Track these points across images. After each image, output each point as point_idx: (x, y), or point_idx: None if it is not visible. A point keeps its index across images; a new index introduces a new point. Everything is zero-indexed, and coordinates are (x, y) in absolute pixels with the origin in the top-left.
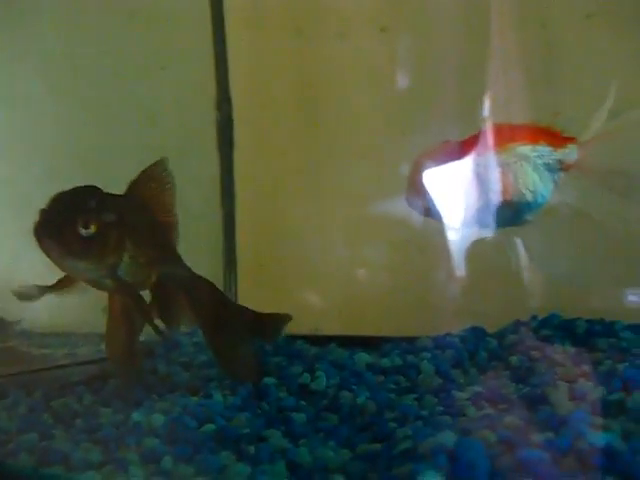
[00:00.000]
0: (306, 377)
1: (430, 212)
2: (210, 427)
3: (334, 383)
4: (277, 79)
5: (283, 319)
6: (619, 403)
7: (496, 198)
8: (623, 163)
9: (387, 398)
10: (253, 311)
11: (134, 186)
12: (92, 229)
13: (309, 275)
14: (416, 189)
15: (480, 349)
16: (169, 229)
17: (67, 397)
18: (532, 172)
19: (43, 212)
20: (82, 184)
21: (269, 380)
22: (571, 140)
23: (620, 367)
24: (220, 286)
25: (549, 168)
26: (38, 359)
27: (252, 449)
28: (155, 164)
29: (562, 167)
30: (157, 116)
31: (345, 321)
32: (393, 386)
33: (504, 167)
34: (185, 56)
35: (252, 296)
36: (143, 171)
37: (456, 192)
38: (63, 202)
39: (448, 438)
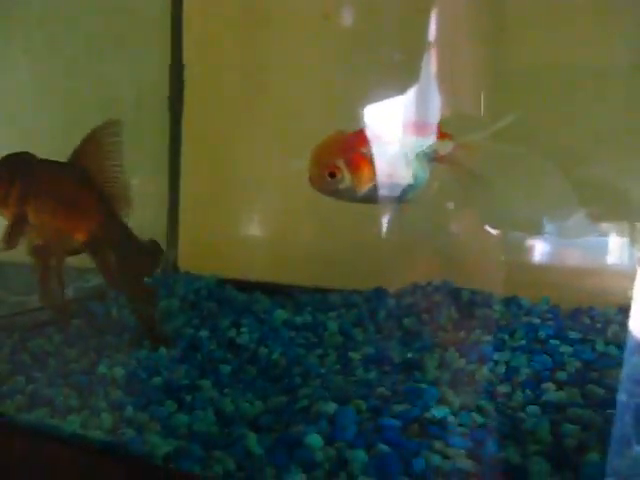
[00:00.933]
0: (233, 331)
1: (333, 194)
2: (158, 380)
3: (256, 337)
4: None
5: (158, 249)
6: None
7: (385, 180)
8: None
9: (296, 354)
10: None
11: (76, 151)
12: None
13: (244, 223)
14: (317, 178)
15: (380, 309)
16: (111, 196)
17: (39, 338)
18: (414, 159)
19: None
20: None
21: (203, 333)
22: (448, 136)
23: (484, 339)
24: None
25: (427, 157)
26: (14, 304)
27: (189, 398)
28: (99, 127)
29: (437, 157)
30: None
31: (270, 270)
32: (303, 341)
33: (391, 154)
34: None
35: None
36: (86, 136)
37: (353, 176)
38: None
39: (329, 407)
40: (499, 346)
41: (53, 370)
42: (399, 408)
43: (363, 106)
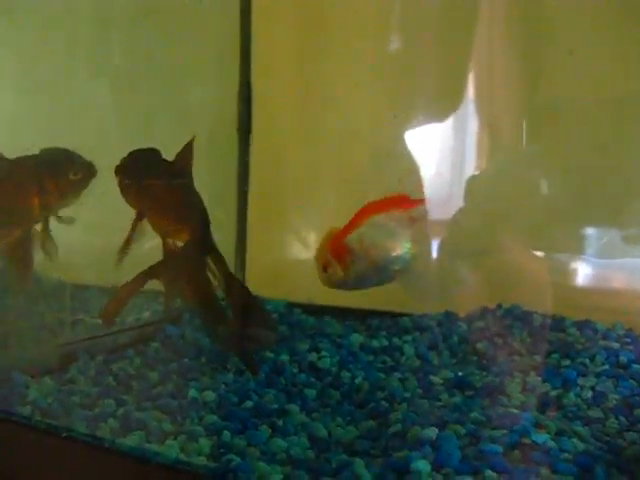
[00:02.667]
0: (313, 355)
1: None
2: (249, 403)
3: (336, 361)
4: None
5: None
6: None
7: (370, 266)
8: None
9: (377, 378)
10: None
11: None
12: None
13: (311, 247)
14: (320, 274)
15: (452, 333)
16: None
17: (121, 361)
18: (386, 235)
19: None
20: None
21: (284, 357)
22: (419, 202)
23: (564, 363)
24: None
25: (402, 227)
26: (96, 327)
27: (281, 423)
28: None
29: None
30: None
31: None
32: (381, 365)
33: (370, 237)
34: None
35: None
36: (187, 144)
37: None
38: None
39: (431, 432)
40: (581, 371)
41: (140, 393)
42: (497, 433)
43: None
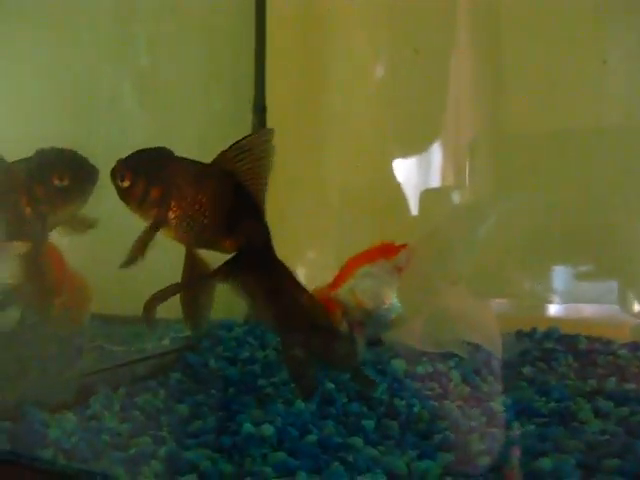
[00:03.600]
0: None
1: None
2: (312, 438)
3: (384, 389)
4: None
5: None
6: None
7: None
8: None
9: (433, 406)
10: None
11: (222, 154)
12: (126, 183)
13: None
14: None
15: (492, 357)
16: (258, 202)
17: (145, 393)
18: (377, 285)
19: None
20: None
21: (330, 385)
22: (403, 247)
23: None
24: None
25: (391, 276)
26: (116, 356)
27: (351, 458)
28: (254, 136)
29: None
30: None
31: None
32: (430, 392)
33: (362, 288)
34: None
35: None
36: (237, 141)
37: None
38: (125, 157)
39: (545, 463)
40: None
41: (177, 429)
42: (612, 463)
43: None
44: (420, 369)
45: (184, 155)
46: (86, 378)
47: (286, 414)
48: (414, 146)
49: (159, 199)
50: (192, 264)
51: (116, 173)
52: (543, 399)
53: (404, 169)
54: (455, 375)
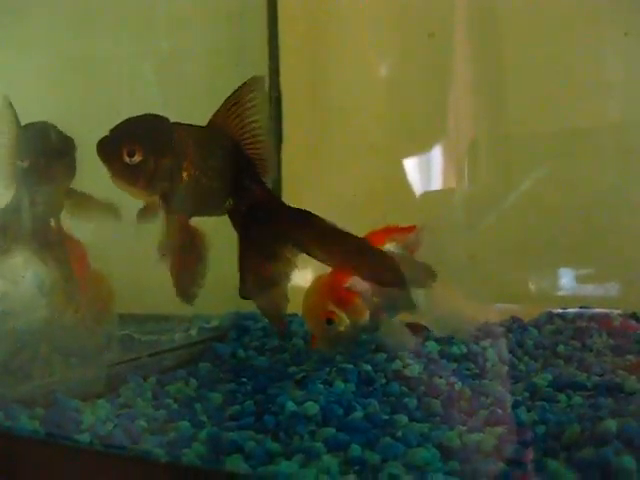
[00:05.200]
0: (397, 364)
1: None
2: (358, 415)
3: (421, 369)
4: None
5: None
6: None
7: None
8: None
9: (474, 384)
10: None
11: (216, 114)
12: (137, 158)
13: None
14: (318, 330)
15: (525, 337)
16: (253, 158)
17: (176, 381)
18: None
19: (109, 132)
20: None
21: (366, 366)
22: (411, 228)
23: None
24: None
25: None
26: (145, 345)
27: (400, 434)
28: (241, 88)
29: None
30: None
31: None
32: (467, 372)
33: None
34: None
35: None
36: (228, 97)
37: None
38: (121, 127)
39: (610, 424)
40: None
41: (215, 413)
42: None
43: None
44: (455, 349)
45: None
46: (115, 367)
47: (327, 394)
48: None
49: (170, 171)
50: (189, 234)
51: (121, 148)
52: (585, 374)
53: (419, 164)
54: (491, 355)
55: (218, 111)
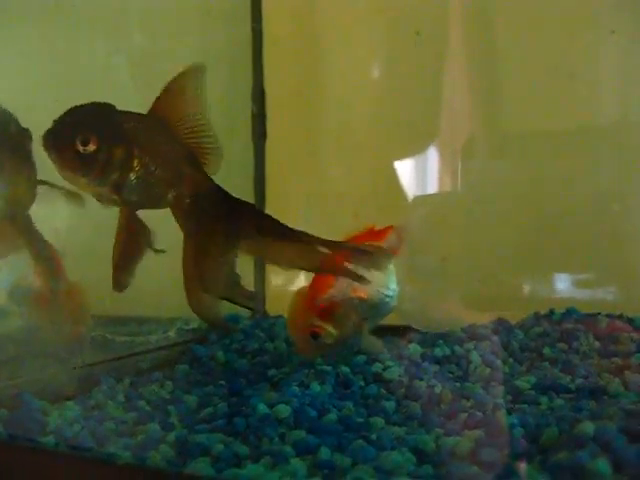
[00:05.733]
0: (377, 366)
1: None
2: (331, 417)
3: (401, 372)
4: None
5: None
6: None
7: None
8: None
9: (454, 387)
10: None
11: (157, 102)
12: (91, 147)
13: None
14: (304, 346)
15: (511, 340)
16: (196, 149)
17: (151, 384)
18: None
19: (53, 123)
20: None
21: (345, 369)
22: (388, 229)
23: None
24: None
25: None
26: (120, 346)
27: (374, 437)
28: (179, 76)
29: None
30: None
31: None
32: (450, 375)
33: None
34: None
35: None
36: (167, 84)
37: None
38: (71, 116)
39: (588, 427)
40: None
41: (186, 417)
42: None
43: None
44: (438, 351)
45: None
46: (87, 369)
47: (302, 395)
48: (414, 139)
49: (123, 161)
50: (136, 225)
51: (74, 136)
52: (569, 377)
53: (404, 164)
54: (475, 357)
55: (158, 99)
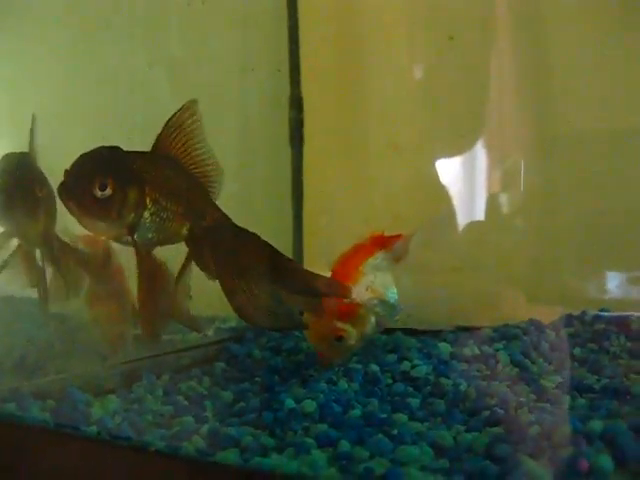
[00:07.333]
0: (406, 365)
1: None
2: (355, 412)
3: (430, 370)
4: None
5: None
6: None
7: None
8: None
9: (481, 385)
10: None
11: (159, 140)
12: (108, 191)
13: None
14: (328, 350)
15: (542, 340)
16: (202, 180)
17: (189, 380)
18: (382, 275)
19: (65, 174)
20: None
21: (374, 367)
22: (397, 237)
23: None
24: None
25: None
26: (161, 345)
27: (395, 432)
28: (178, 111)
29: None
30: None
31: None
32: (477, 373)
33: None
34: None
35: None
36: (167, 122)
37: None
38: (83, 164)
39: (596, 425)
40: None
41: (220, 410)
42: None
43: None
44: (467, 351)
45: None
46: (130, 365)
47: (329, 392)
48: (457, 146)
49: (137, 201)
50: (155, 266)
51: (92, 183)
52: (595, 377)
53: (446, 171)
54: (504, 357)
55: (160, 136)
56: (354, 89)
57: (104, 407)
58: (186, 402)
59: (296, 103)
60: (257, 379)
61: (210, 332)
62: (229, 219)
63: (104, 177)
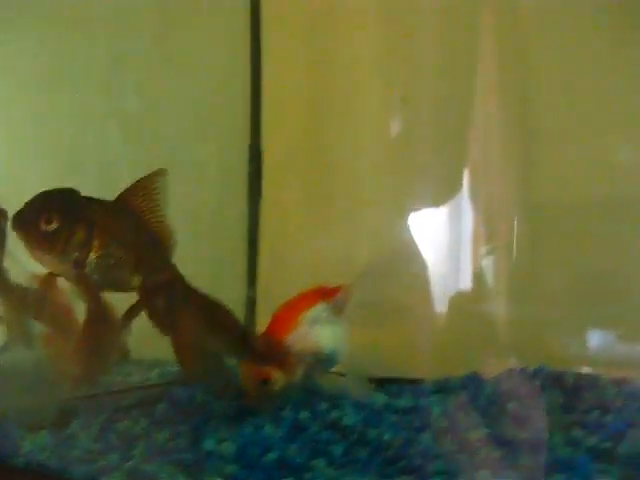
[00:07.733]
0: (337, 413)
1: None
2: (271, 456)
3: (359, 419)
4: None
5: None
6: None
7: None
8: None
9: (407, 436)
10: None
11: (124, 193)
12: (54, 225)
13: None
14: (254, 389)
15: (479, 394)
16: (158, 237)
17: (126, 420)
18: (322, 328)
19: (23, 205)
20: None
21: (305, 414)
22: (338, 289)
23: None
24: None
25: (333, 317)
26: (101, 385)
27: (309, 476)
28: (148, 175)
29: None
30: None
31: None
32: (408, 425)
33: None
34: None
35: None
36: (135, 181)
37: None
38: (38, 198)
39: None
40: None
41: (148, 449)
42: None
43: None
44: (402, 402)
45: None
46: (68, 403)
47: (252, 435)
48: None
49: (84, 240)
50: (102, 310)
51: (39, 216)
52: (519, 431)
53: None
54: (436, 409)
55: (125, 191)
56: (317, 142)
57: (35, 442)
58: (118, 442)
59: (255, 154)
60: (196, 421)
61: (153, 374)
62: (183, 278)
63: (52, 211)
